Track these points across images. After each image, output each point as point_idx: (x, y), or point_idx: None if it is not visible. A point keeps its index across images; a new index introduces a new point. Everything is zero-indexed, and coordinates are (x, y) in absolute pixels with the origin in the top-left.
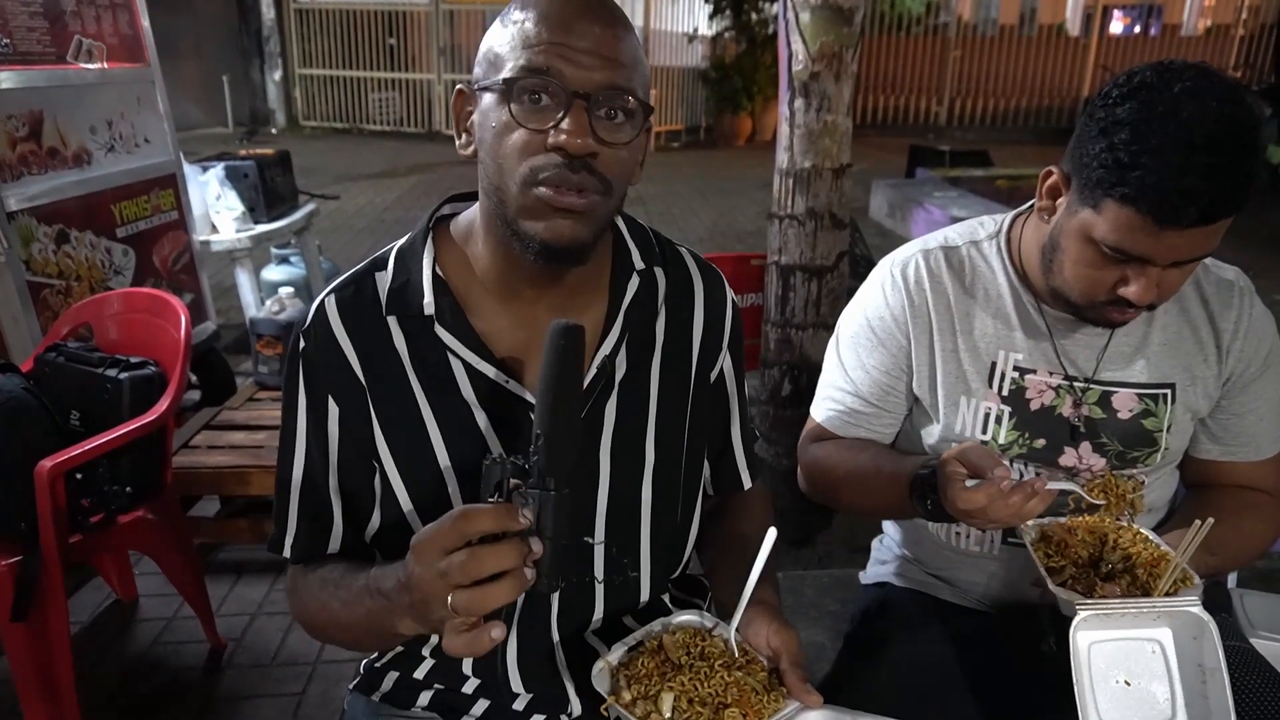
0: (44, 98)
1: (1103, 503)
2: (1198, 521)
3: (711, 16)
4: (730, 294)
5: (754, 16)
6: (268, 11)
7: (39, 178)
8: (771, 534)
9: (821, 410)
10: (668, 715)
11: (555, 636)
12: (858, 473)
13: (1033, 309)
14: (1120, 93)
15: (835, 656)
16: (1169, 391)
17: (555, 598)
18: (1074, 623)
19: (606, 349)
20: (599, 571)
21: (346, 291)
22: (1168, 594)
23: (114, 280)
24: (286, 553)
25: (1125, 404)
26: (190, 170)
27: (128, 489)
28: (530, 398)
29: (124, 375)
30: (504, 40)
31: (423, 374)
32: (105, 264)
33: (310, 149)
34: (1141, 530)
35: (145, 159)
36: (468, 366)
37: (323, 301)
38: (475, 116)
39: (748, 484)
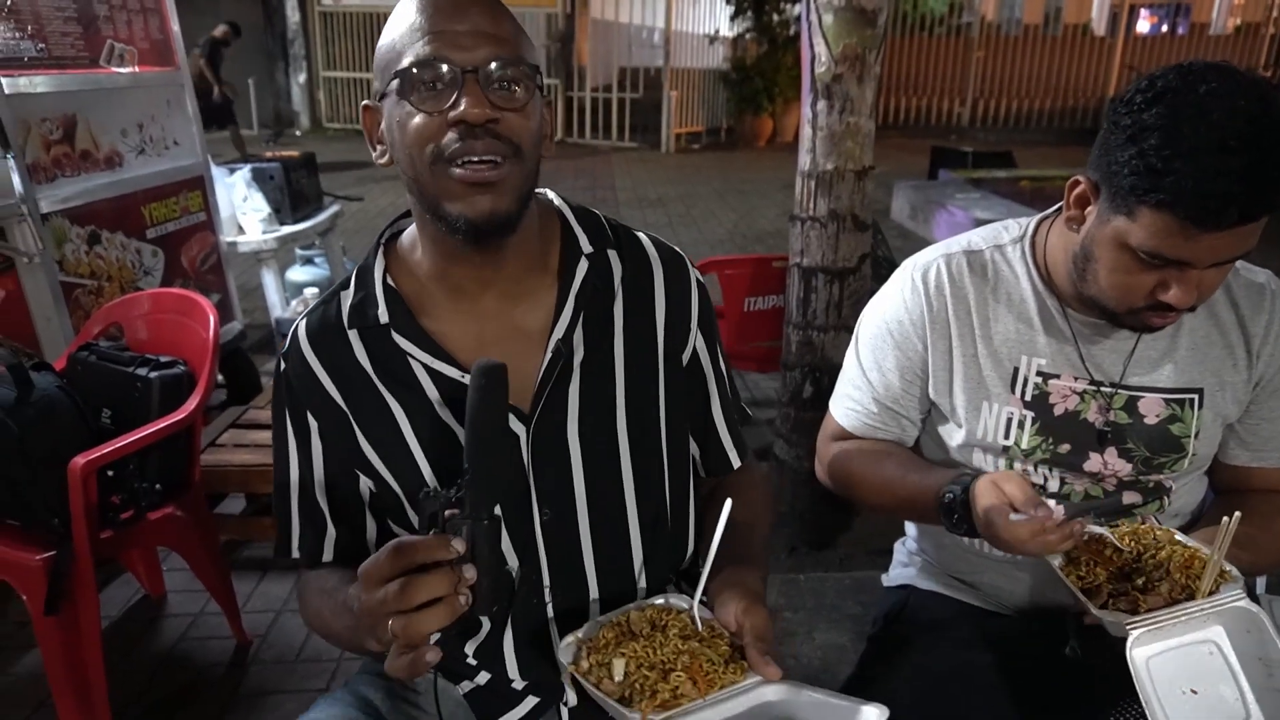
0: (77, 101)
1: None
2: (1226, 518)
3: (733, 18)
4: (695, 275)
5: (775, 18)
6: (293, 15)
7: (72, 180)
8: (728, 504)
9: (840, 410)
10: (618, 678)
11: (552, 630)
12: (882, 480)
13: (1057, 314)
14: (1144, 98)
15: (857, 659)
16: (1197, 396)
17: (548, 591)
18: (1129, 644)
19: (559, 332)
20: (587, 555)
21: (315, 314)
22: (1210, 593)
23: (143, 280)
24: (295, 554)
25: (1152, 409)
26: (217, 172)
27: (157, 486)
28: None
29: (154, 374)
30: (391, 46)
31: (388, 381)
32: (135, 264)
33: (334, 150)
34: (1172, 530)
35: (174, 161)
36: (427, 368)
37: (297, 326)
38: (383, 125)
39: (735, 463)
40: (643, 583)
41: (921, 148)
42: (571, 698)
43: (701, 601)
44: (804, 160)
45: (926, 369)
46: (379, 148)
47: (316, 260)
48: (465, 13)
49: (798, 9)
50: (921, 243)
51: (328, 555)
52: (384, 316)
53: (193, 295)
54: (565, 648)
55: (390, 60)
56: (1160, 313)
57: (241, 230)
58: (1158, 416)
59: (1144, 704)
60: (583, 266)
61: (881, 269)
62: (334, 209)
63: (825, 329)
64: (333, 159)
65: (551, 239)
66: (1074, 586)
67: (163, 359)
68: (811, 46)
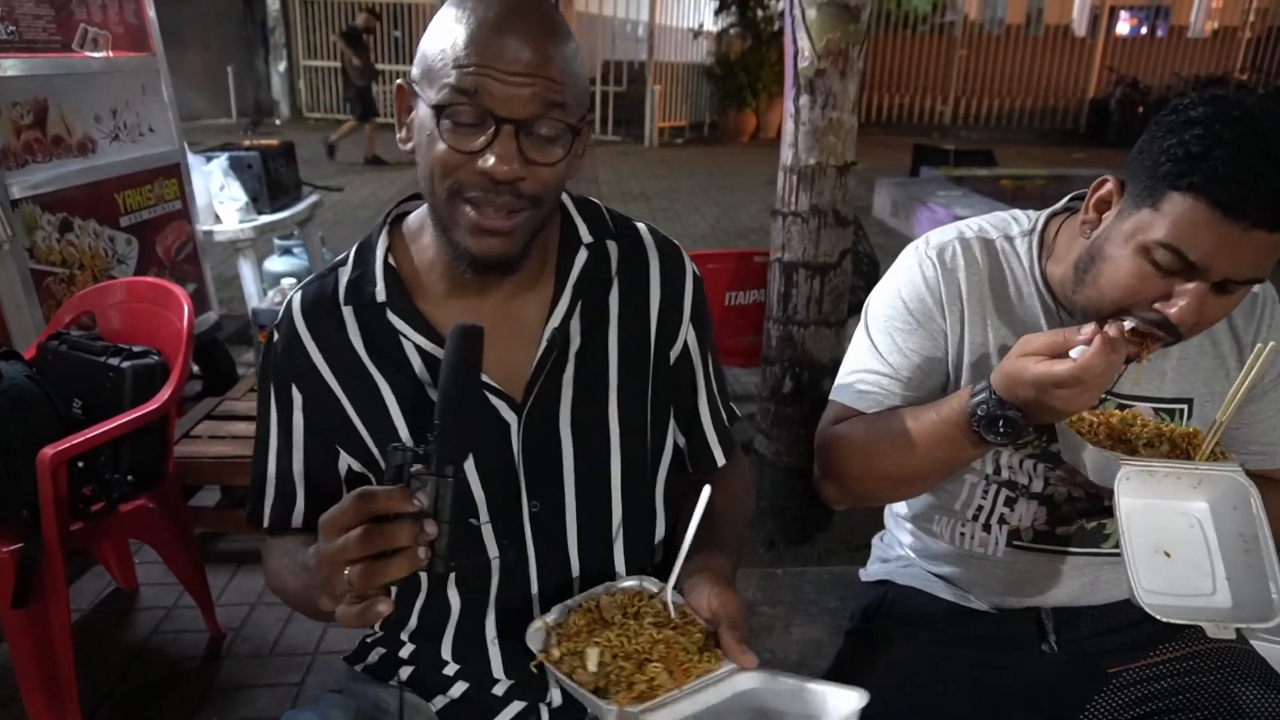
0: (49, 86)
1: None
2: (1256, 349)
3: (717, 12)
4: (691, 267)
5: (759, 13)
6: (273, 3)
7: (43, 166)
8: (706, 490)
9: (850, 393)
10: (592, 669)
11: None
12: (890, 431)
13: (1056, 315)
14: (1192, 100)
15: (835, 654)
16: (1186, 407)
17: (534, 581)
18: (1118, 479)
19: (555, 322)
20: (572, 542)
21: (310, 288)
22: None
23: (117, 269)
24: (265, 522)
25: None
26: (194, 160)
27: (129, 477)
28: (484, 376)
29: (126, 364)
30: (439, 45)
31: (377, 359)
32: (108, 253)
33: (314, 140)
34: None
35: (149, 148)
36: (419, 349)
37: (291, 298)
38: (412, 118)
39: (720, 460)
40: (620, 567)
41: (904, 145)
42: (556, 697)
43: (674, 588)
44: (786, 155)
45: (947, 344)
46: (404, 131)
47: (295, 250)
48: (521, 50)
49: (781, 4)
50: (903, 239)
51: (296, 523)
52: (381, 295)
53: (167, 284)
54: (534, 633)
55: (430, 67)
56: (1150, 335)
57: (218, 219)
58: None
59: (1123, 551)
60: (581, 256)
61: (862, 265)
62: (313, 199)
63: (806, 324)
64: (314, 149)
65: (551, 229)
66: (1071, 430)
67: (136, 349)
68: (795, 41)
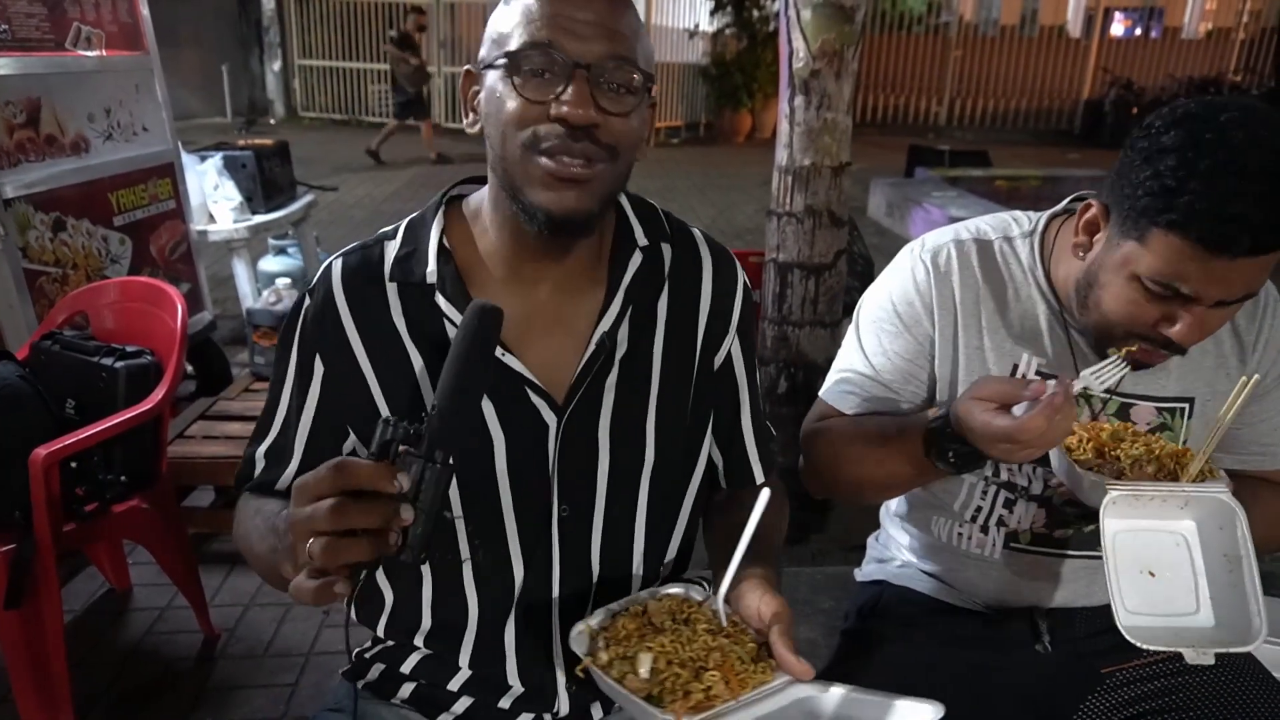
0: (42, 85)
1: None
2: (1244, 379)
3: (713, 13)
4: (743, 277)
5: (755, 13)
6: (268, 2)
7: (36, 165)
8: (765, 494)
9: (834, 393)
10: (644, 675)
11: (555, 629)
12: (863, 438)
13: (1057, 316)
14: (1164, 122)
15: (830, 654)
16: (1188, 406)
17: (556, 585)
18: (1104, 504)
19: (606, 325)
20: (596, 549)
21: (353, 256)
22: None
23: (110, 269)
24: (254, 478)
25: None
26: (188, 159)
27: (122, 478)
28: (527, 373)
29: (120, 364)
30: (507, 18)
31: (419, 341)
32: (102, 252)
33: (309, 140)
34: (1162, 438)
35: (143, 147)
36: None
37: (330, 264)
38: (482, 95)
39: (759, 478)
40: (638, 572)
41: (899, 145)
42: (563, 706)
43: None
44: (781, 155)
45: (934, 350)
46: (471, 115)
47: (289, 250)
48: (590, 4)
49: (777, 5)
50: (898, 239)
51: (281, 487)
52: (432, 276)
53: (160, 284)
54: (578, 637)
55: (501, 34)
56: (1153, 352)
57: (213, 219)
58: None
59: (1106, 572)
60: (636, 259)
61: (857, 265)
62: (308, 198)
63: (801, 324)
64: (308, 149)
65: (606, 228)
66: (1060, 449)
67: (129, 349)
68: (790, 42)
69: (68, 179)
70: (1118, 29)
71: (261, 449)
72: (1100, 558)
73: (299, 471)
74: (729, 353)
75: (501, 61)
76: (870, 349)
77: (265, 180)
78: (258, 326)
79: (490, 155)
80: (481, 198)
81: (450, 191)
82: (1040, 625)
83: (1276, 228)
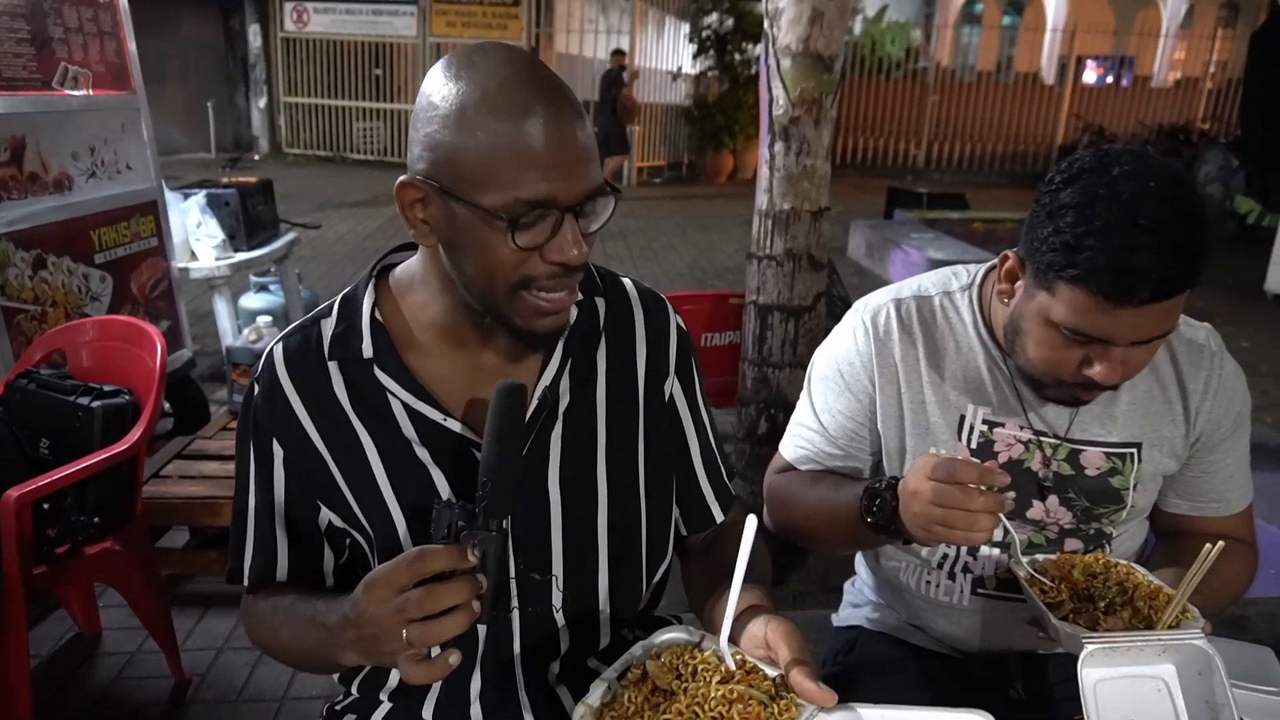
0: (27, 123)
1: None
2: (1208, 545)
3: (695, 56)
4: (676, 319)
5: (737, 57)
6: (254, 40)
7: (18, 203)
8: (751, 521)
9: (790, 447)
10: None
11: (519, 677)
12: (812, 496)
13: (1001, 365)
14: (1062, 178)
15: None
16: (1136, 451)
17: (516, 633)
18: (1081, 658)
19: (547, 379)
20: (556, 600)
21: (293, 339)
22: (1171, 627)
23: (90, 306)
24: (245, 580)
25: (1093, 462)
26: (171, 197)
27: (95, 519)
28: (470, 435)
29: (96, 404)
30: (476, 152)
31: (364, 415)
32: (82, 290)
33: (293, 176)
34: (1135, 567)
35: (126, 185)
36: (407, 407)
37: (271, 349)
38: (439, 216)
39: (718, 517)
40: (604, 637)
41: (878, 187)
42: None
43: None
44: (761, 200)
45: (875, 410)
46: (421, 228)
47: (271, 287)
48: (571, 139)
49: (759, 50)
50: (877, 281)
51: (280, 578)
52: (368, 351)
53: (139, 323)
54: None
55: (475, 171)
56: (1086, 389)
57: (194, 256)
58: (1098, 469)
59: None
60: (572, 314)
61: (836, 307)
62: (290, 236)
63: (781, 366)
64: (292, 185)
65: None
66: (1036, 597)
67: (106, 388)
68: (770, 90)
69: (49, 216)
70: (1090, 77)
71: (247, 556)
72: None
73: (290, 555)
74: (670, 394)
75: (496, 218)
76: (819, 406)
77: (248, 218)
78: (237, 364)
79: (458, 276)
80: (411, 272)
81: (380, 263)
82: (1013, 672)
83: (1172, 278)
